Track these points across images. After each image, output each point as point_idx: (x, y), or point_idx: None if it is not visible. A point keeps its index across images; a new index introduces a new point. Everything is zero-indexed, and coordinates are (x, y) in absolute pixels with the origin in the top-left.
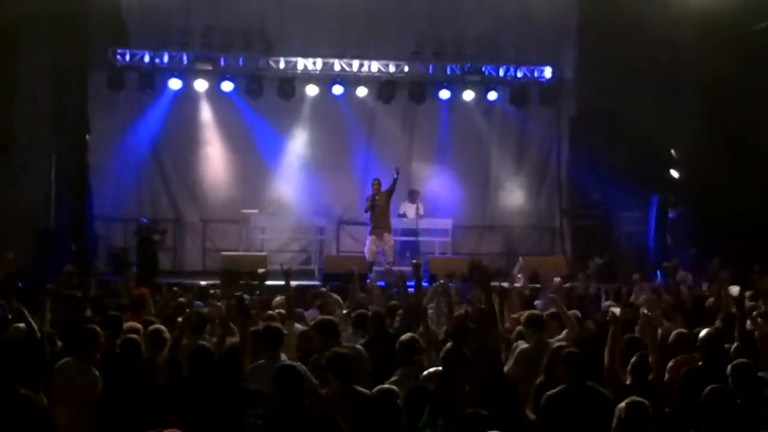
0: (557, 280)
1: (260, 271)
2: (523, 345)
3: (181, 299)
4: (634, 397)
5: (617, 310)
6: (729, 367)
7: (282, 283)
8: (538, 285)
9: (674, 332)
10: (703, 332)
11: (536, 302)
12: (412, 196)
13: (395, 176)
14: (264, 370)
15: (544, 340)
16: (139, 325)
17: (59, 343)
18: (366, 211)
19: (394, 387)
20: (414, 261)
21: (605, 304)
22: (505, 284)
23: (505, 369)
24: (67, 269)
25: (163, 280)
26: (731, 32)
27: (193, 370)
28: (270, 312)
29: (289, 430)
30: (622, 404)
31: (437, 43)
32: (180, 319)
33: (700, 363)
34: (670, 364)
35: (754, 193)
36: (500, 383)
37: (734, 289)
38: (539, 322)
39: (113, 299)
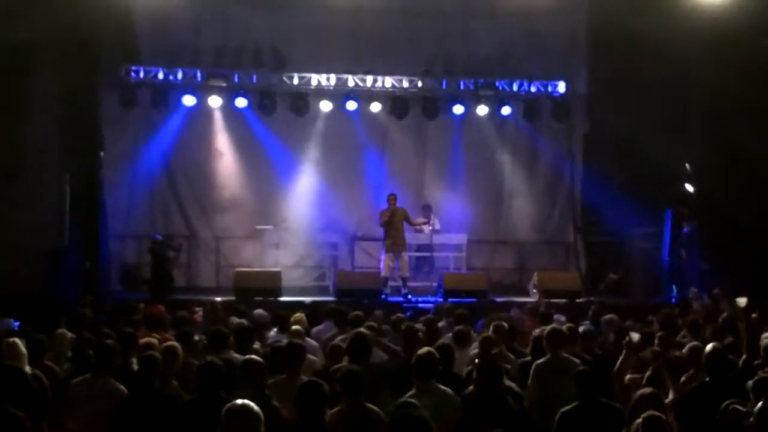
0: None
1: None
2: (539, 361)
3: (183, 313)
4: (651, 411)
5: (636, 336)
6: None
7: (298, 299)
8: (554, 300)
9: (687, 346)
10: (708, 348)
11: (555, 317)
12: (426, 211)
13: (422, 219)
14: (284, 386)
15: (562, 356)
16: (154, 341)
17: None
18: (382, 226)
19: (413, 400)
20: None
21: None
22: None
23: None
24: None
25: (177, 296)
26: (742, 48)
27: (202, 386)
28: (295, 327)
29: None
30: (639, 419)
31: (449, 59)
32: (197, 337)
33: (707, 379)
34: (682, 379)
35: (764, 208)
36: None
37: (742, 301)
38: (560, 338)
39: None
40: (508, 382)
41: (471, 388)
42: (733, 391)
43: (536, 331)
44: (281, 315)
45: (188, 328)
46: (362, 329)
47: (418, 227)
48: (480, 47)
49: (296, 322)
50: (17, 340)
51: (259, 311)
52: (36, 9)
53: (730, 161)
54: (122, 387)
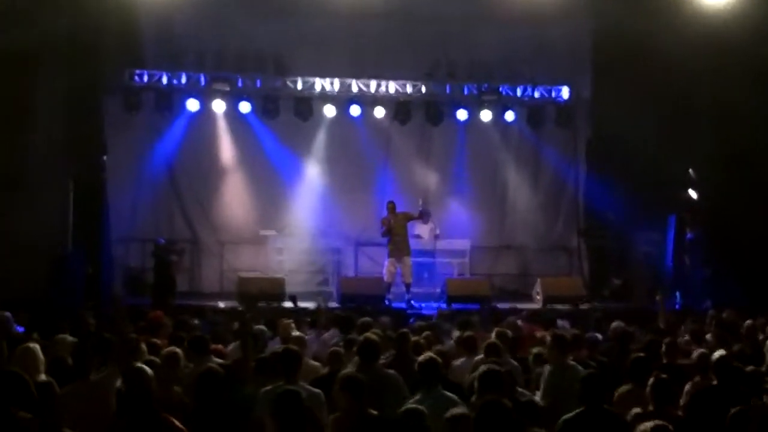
0: None
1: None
2: (547, 369)
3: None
4: (657, 421)
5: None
6: None
7: (301, 304)
8: (557, 306)
9: (695, 353)
10: (716, 354)
11: (559, 322)
12: (425, 216)
13: (420, 209)
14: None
15: (567, 362)
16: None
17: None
18: (383, 236)
19: (419, 406)
20: None
21: None
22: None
23: (538, 399)
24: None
25: (179, 301)
26: (746, 54)
27: (200, 393)
28: (296, 333)
29: None
30: (648, 425)
31: (452, 64)
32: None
33: (714, 383)
34: (687, 386)
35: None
36: None
37: None
38: (565, 343)
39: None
40: (520, 390)
41: (481, 396)
42: (740, 397)
43: (539, 335)
44: (272, 320)
45: (183, 333)
46: (370, 334)
47: (417, 233)
48: (483, 52)
49: (284, 328)
50: (36, 346)
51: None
52: (40, 14)
53: (734, 168)
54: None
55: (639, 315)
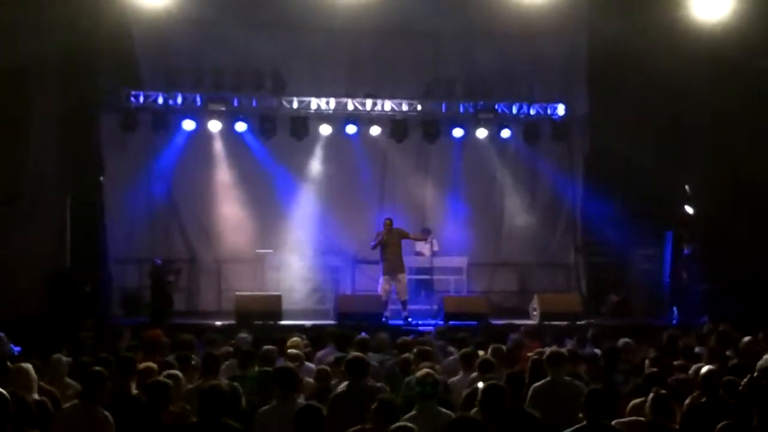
0: None
1: None
2: (537, 383)
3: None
4: None
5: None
6: None
7: (299, 322)
8: (554, 322)
9: (693, 368)
10: (704, 369)
11: (566, 341)
12: (425, 234)
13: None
14: (278, 412)
15: (561, 377)
16: (154, 366)
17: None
18: (373, 249)
19: (410, 424)
20: None
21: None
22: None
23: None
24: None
25: (177, 320)
26: (741, 68)
27: (203, 410)
28: (293, 351)
29: None
30: None
31: (449, 82)
32: (193, 362)
33: (703, 400)
34: (687, 401)
35: (764, 229)
36: None
37: None
38: (559, 359)
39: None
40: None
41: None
42: (730, 412)
43: (532, 354)
44: (279, 339)
45: (187, 352)
46: (357, 352)
47: (418, 250)
48: (480, 68)
49: (292, 347)
50: (29, 366)
51: (243, 335)
52: (36, 32)
53: (730, 182)
54: (108, 415)
55: (637, 331)
